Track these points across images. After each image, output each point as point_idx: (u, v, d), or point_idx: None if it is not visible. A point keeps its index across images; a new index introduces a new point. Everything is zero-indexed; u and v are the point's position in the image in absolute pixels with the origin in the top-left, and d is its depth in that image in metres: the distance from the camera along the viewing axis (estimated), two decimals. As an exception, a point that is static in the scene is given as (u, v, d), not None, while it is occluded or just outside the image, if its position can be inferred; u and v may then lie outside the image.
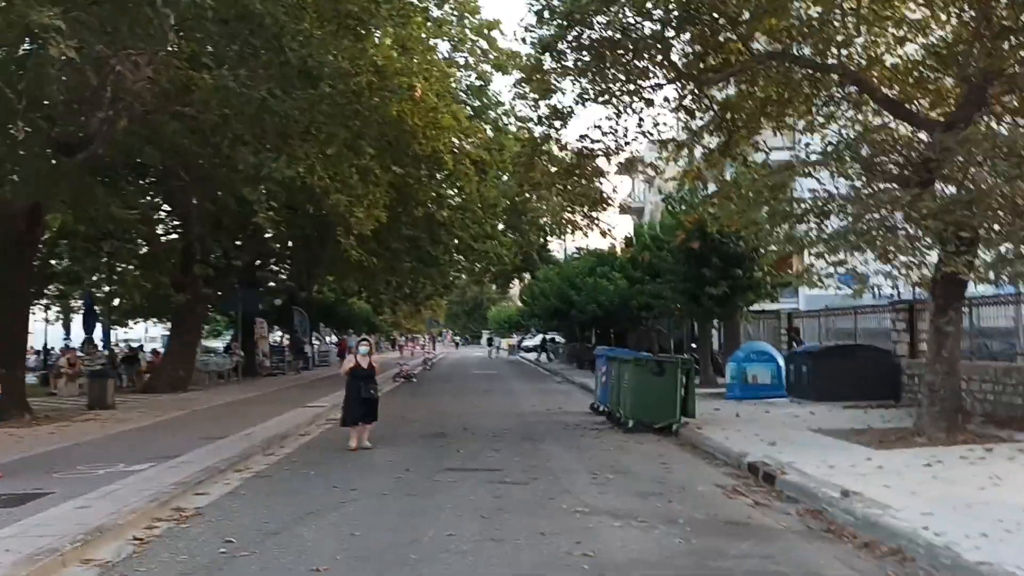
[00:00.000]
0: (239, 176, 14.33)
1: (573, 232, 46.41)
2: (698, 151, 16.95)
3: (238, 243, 28.06)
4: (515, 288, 62.97)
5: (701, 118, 16.41)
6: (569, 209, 41.69)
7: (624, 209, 49.07)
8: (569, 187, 17.05)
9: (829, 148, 12.67)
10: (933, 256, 11.92)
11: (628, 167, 47.90)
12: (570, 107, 14.24)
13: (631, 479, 9.67)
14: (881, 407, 16.20)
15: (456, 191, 25.64)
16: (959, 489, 8.07)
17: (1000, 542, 6.14)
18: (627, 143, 15.27)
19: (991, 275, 10.49)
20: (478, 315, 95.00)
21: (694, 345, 25.04)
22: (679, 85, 15.42)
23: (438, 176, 23.33)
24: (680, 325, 26.68)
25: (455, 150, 20.40)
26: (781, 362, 18.86)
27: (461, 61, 24.59)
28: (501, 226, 39.82)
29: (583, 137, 14.68)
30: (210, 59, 13.68)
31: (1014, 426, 12.39)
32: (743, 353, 19.16)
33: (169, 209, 26.28)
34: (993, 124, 12.60)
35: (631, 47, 13.98)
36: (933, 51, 13.89)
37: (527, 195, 17.58)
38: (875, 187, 12.21)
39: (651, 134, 15.95)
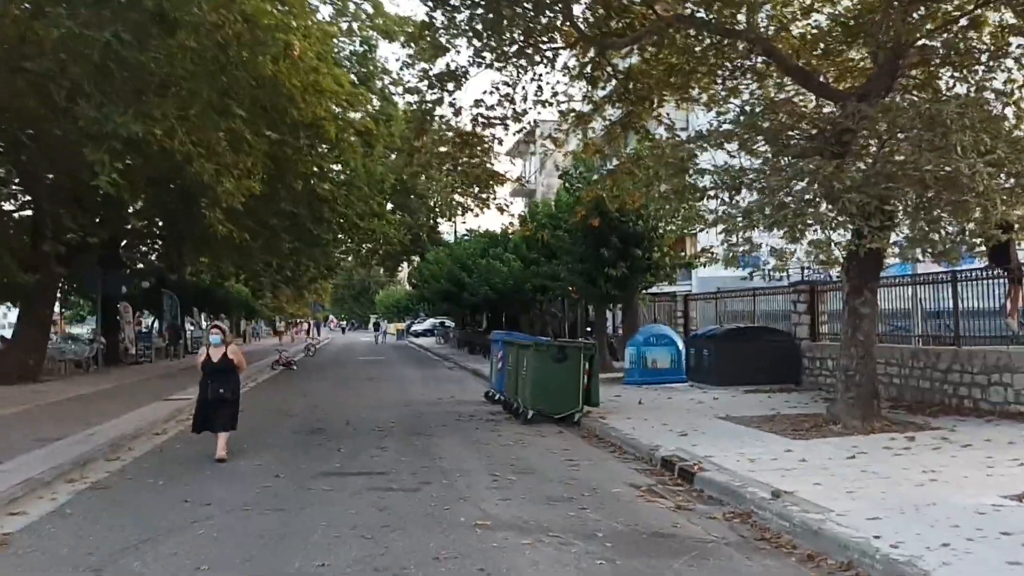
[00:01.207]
0: (83, 135, 12.36)
1: (463, 214, 45.51)
2: (599, 124, 16.06)
3: (96, 219, 25.50)
4: (404, 271, 61.30)
5: (603, 87, 15.50)
6: (459, 189, 40.59)
7: (517, 191, 48.10)
8: (459, 166, 15.92)
9: (741, 118, 11.87)
10: (843, 234, 11.35)
11: (524, 143, 46.86)
12: (464, 68, 12.93)
13: (536, 480, 8.56)
14: (783, 391, 15.75)
15: (340, 166, 23.97)
16: (897, 487, 7.30)
17: (967, 554, 5.30)
18: (525, 112, 14.15)
19: (916, 252, 9.84)
20: (365, 299, 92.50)
21: (589, 329, 24.26)
22: (580, 50, 14.42)
23: (320, 148, 21.60)
24: (575, 308, 25.88)
25: (338, 119, 18.76)
26: (681, 346, 18.21)
27: (344, 27, 22.85)
28: (390, 206, 38.29)
29: (478, 102, 13.43)
30: (52, 4, 11.75)
31: (925, 411, 11.97)
32: (642, 337, 18.41)
33: (17, 181, 23.55)
34: (910, 96, 12.10)
35: (530, 4, 12.83)
36: (841, 21, 13.37)
37: (416, 168, 16.17)
38: (785, 160, 11.51)
39: (550, 103, 14.87)
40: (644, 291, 21.37)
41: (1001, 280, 12.16)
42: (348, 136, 19.59)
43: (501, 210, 19.37)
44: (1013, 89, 11.97)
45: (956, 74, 12.63)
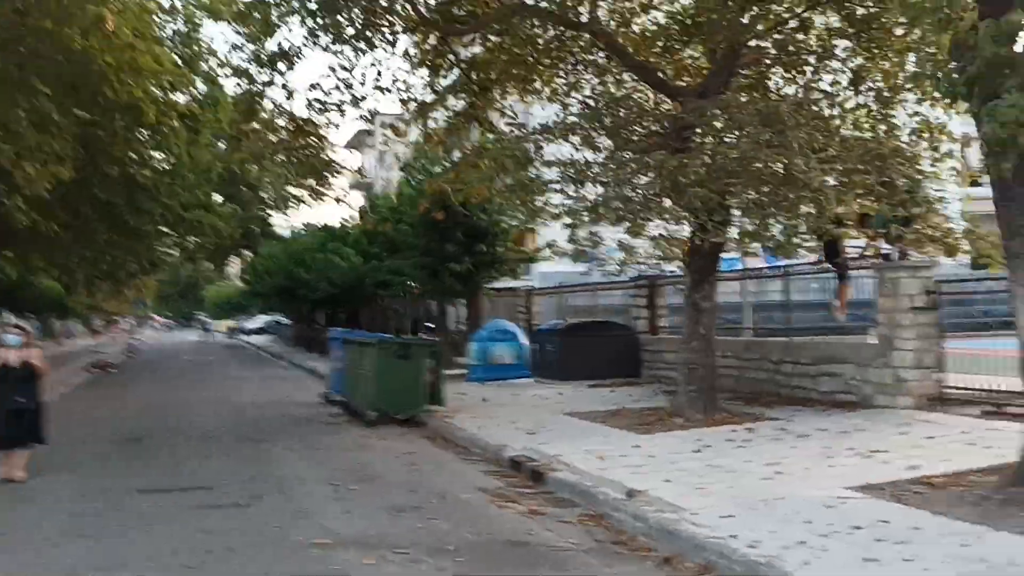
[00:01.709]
0: None
1: (298, 206, 43.83)
2: (441, 114, 15.62)
3: None
4: (235, 267, 58.54)
5: (445, 76, 15.07)
6: (294, 181, 38.94)
7: (356, 184, 46.94)
8: (294, 156, 15.10)
9: (586, 111, 11.78)
10: (680, 229, 11.49)
11: (364, 135, 45.58)
12: (297, 47, 12.12)
13: (380, 488, 8.02)
14: (625, 384, 15.88)
15: (162, 152, 22.25)
16: (745, 481, 7.30)
17: (824, 552, 5.25)
18: (364, 98, 13.48)
19: (755, 246, 10.02)
20: (193, 296, 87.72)
21: (432, 325, 23.80)
22: (421, 36, 13.93)
23: (139, 132, 19.91)
24: (417, 304, 25.34)
25: (159, 101, 17.30)
26: (525, 341, 18.08)
27: (166, 4, 21.19)
28: (219, 198, 36.15)
29: (314, 86, 12.64)
30: None
31: (760, 402, 12.30)
32: (487, 332, 18.15)
33: None
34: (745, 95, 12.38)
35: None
36: (679, 19, 13.57)
37: (245, 155, 15.14)
38: (628, 155, 11.51)
39: (390, 91, 14.30)
40: (488, 286, 21.13)
41: (828, 275, 12.74)
42: (170, 120, 18.14)
43: (339, 201, 18.33)
44: (838, 91, 12.51)
45: (786, 75, 13.10)
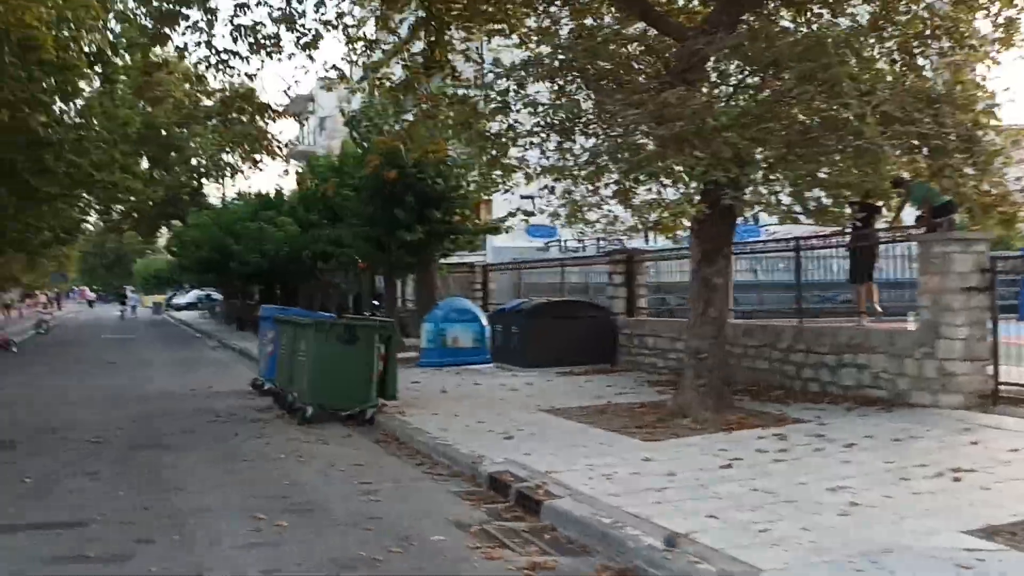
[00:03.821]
0: None
1: (233, 176, 41.02)
2: (395, 61, 13.42)
3: None
4: (164, 238, 55.19)
5: (401, 11, 12.86)
6: (227, 149, 36.19)
7: (293, 152, 44.09)
8: (227, 123, 12.88)
9: (579, 41, 9.72)
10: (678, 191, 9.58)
11: (302, 100, 42.77)
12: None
13: (319, 525, 5.88)
14: (599, 372, 14.01)
15: (70, 103, 19.50)
16: (818, 519, 5.36)
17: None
18: (304, 29, 11.21)
19: (797, 207, 8.09)
20: (121, 269, 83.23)
21: (377, 302, 21.57)
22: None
23: (42, 77, 17.15)
24: (360, 279, 23.03)
25: (57, 33, 14.63)
26: (485, 322, 16.02)
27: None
28: (145, 164, 33.14)
29: (242, 7, 10.31)
30: None
31: (771, 397, 10.45)
32: (442, 312, 16.02)
33: None
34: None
35: None
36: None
37: (156, 92, 12.76)
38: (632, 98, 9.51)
39: (335, 25, 12.07)
40: (443, 260, 18.95)
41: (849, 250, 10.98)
42: (74, 59, 15.48)
43: (273, 155, 15.73)
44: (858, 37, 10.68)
45: (797, 19, 11.25)
